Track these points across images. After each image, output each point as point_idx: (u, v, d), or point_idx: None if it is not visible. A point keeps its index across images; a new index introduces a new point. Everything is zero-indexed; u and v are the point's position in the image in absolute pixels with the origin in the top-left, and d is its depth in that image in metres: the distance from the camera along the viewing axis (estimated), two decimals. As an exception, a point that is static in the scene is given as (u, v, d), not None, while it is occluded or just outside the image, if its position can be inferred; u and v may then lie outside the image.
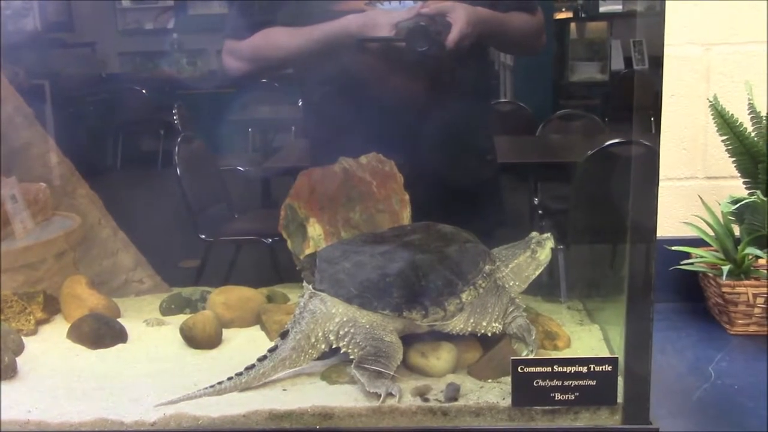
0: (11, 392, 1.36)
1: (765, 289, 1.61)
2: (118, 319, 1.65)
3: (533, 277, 1.50)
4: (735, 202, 1.65)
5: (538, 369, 1.25)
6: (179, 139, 2.93)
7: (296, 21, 1.74)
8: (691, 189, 1.81)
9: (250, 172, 3.29)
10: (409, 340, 1.40)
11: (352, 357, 1.35)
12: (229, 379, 1.33)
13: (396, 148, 1.68)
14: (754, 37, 1.74)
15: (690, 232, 1.73)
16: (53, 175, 1.89)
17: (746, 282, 1.63)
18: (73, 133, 2.24)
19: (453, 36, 1.65)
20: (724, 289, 1.63)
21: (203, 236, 2.85)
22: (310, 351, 1.38)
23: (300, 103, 2.19)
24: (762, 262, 1.67)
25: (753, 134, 1.66)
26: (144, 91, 3.87)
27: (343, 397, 1.31)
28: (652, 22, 1.21)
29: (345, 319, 1.37)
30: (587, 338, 1.55)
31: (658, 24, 1.18)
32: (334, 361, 1.42)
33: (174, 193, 2.83)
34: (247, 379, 1.33)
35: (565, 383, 1.25)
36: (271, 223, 1.68)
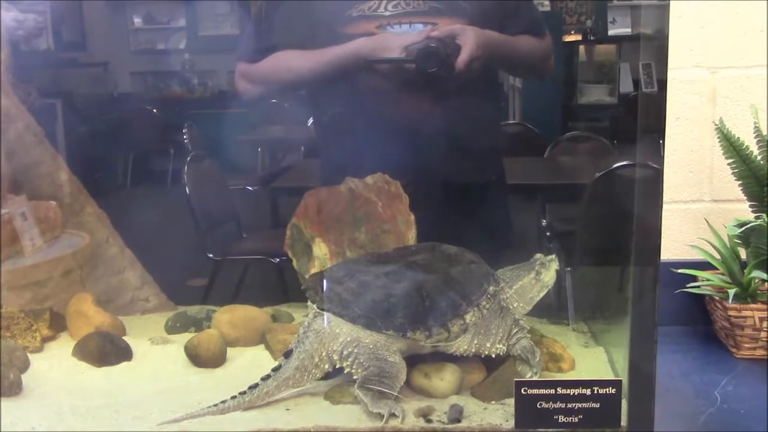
0: (16, 409, 1.36)
1: (772, 312, 1.61)
2: (124, 337, 1.65)
3: (538, 298, 1.49)
4: (741, 225, 1.65)
5: (542, 391, 1.24)
6: (188, 158, 2.95)
7: (308, 44, 1.76)
8: (697, 212, 1.81)
9: (259, 192, 3.31)
10: (412, 360, 1.40)
11: (355, 377, 1.35)
12: (233, 398, 1.33)
13: (405, 168, 1.68)
14: (760, 60, 1.75)
15: (696, 255, 1.73)
16: (63, 193, 1.90)
17: (753, 306, 1.62)
18: (84, 152, 2.26)
19: (462, 58, 1.66)
20: (731, 313, 1.63)
21: (211, 255, 2.87)
22: (313, 371, 1.38)
23: (310, 124, 2.20)
24: (769, 285, 1.66)
25: (759, 158, 1.66)
26: (155, 110, 3.91)
27: (346, 417, 1.31)
28: (655, 45, 1.21)
29: (349, 339, 1.37)
30: (592, 360, 1.54)
31: (661, 47, 1.19)
32: (337, 381, 1.42)
33: (182, 211, 2.85)
34: (250, 398, 1.33)
35: (569, 405, 1.24)
36: (279, 242, 1.68)
